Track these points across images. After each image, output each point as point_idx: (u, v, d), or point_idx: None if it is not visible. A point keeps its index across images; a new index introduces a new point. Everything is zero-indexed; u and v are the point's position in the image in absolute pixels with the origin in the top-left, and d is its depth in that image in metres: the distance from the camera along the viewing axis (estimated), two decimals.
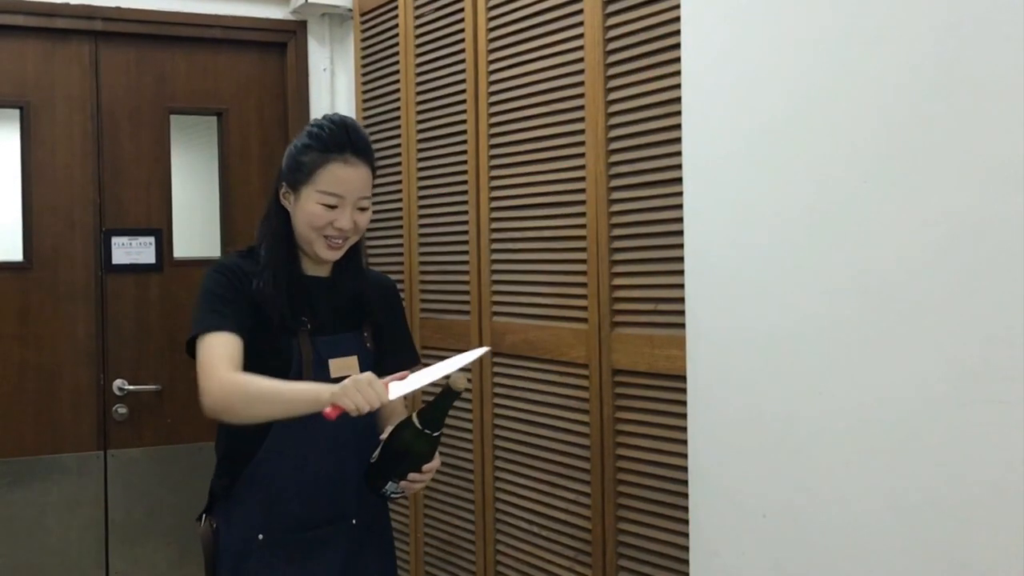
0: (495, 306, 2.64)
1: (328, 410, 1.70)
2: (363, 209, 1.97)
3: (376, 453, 1.88)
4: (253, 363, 1.90)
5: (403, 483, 1.85)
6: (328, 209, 1.92)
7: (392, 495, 1.90)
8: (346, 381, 1.72)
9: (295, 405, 1.76)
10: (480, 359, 2.62)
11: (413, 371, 1.87)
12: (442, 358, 2.78)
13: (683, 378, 1.88)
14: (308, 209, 1.93)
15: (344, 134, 1.93)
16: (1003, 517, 1.32)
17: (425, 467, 1.84)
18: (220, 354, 1.84)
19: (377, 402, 1.70)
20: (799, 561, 1.62)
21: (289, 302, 1.95)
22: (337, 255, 1.98)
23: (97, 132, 3.33)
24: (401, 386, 1.77)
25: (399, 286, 3.02)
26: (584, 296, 2.29)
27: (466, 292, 2.75)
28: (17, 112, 3.25)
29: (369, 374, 1.74)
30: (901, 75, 1.43)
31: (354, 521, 2.02)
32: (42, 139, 3.27)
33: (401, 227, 3.07)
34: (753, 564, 1.70)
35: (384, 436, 1.88)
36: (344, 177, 1.92)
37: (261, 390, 1.79)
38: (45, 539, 3.23)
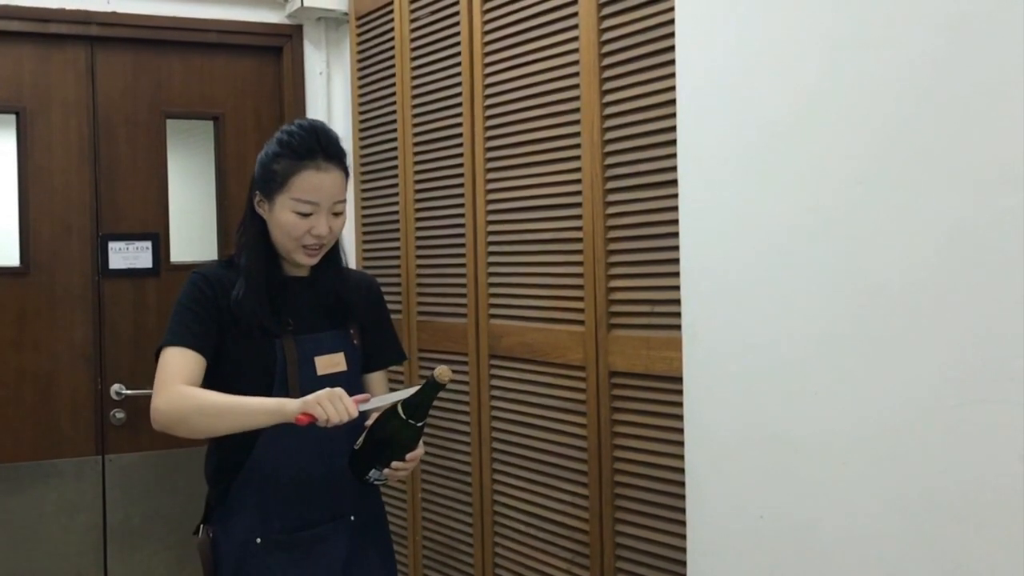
0: (492, 308, 2.64)
1: (300, 416, 1.76)
2: (337, 214, 1.98)
3: (360, 440, 1.91)
4: (237, 369, 1.94)
5: (386, 471, 1.89)
6: (303, 217, 1.93)
7: (375, 482, 1.94)
8: (318, 392, 1.77)
9: (256, 416, 1.80)
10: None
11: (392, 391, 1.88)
12: (439, 360, 2.80)
13: (680, 380, 1.88)
14: (284, 219, 1.94)
15: (315, 139, 1.93)
16: (1001, 518, 1.32)
17: (408, 456, 1.88)
18: (175, 370, 1.87)
19: (347, 416, 1.76)
20: (796, 562, 1.62)
21: (270, 306, 1.96)
22: (316, 260, 2.01)
23: (93, 137, 3.33)
24: (366, 404, 1.84)
25: (396, 289, 3.03)
26: (581, 298, 2.30)
27: (463, 295, 2.76)
28: (13, 117, 3.25)
29: (339, 389, 1.79)
30: (898, 77, 1.44)
31: (353, 518, 2.04)
32: (38, 144, 3.26)
33: (398, 230, 3.07)
34: (750, 565, 1.70)
35: (369, 423, 1.90)
36: (318, 184, 1.93)
37: (217, 402, 1.82)
38: (43, 544, 3.23)
